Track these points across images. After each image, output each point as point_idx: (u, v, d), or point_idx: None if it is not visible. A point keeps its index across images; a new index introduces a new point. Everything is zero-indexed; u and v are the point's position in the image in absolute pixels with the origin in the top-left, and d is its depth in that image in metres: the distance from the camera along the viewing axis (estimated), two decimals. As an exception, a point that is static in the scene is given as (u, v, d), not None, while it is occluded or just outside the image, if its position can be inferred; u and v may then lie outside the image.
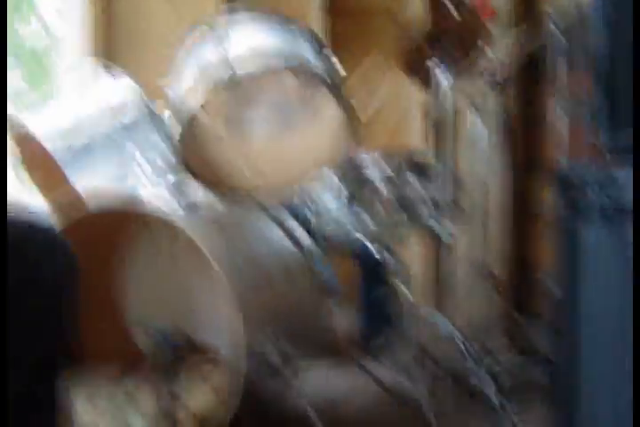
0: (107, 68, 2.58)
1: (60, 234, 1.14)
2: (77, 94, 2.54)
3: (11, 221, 1.02)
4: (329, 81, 2.04)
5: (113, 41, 4.00)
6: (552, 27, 2.67)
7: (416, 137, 4.03)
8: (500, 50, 3.32)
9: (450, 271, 2.38)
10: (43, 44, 5.29)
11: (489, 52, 2.85)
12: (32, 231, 1.05)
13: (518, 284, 3.24)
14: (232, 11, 2.20)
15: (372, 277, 3.20)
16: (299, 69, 2.04)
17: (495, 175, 2.88)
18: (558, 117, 2.63)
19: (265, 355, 2.10)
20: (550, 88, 2.78)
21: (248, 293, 2.05)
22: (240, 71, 1.96)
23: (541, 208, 3.30)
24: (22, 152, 2.59)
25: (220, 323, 2.46)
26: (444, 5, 3.12)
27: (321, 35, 3.89)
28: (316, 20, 3.99)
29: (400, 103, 4.04)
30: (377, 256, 2.69)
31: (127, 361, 2.44)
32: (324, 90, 2.09)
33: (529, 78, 3.49)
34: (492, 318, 2.91)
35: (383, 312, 3.24)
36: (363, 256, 3.11)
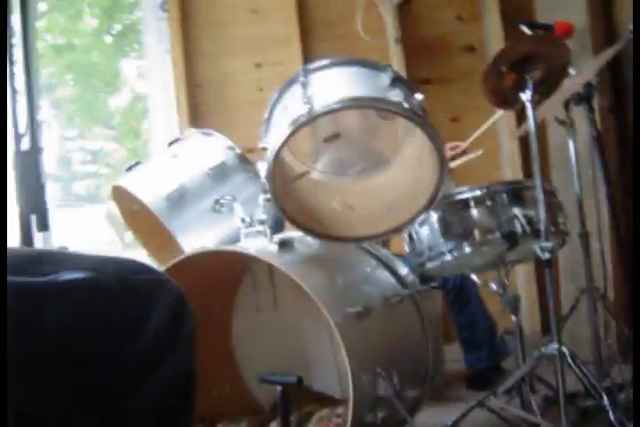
0: (205, 132, 2.67)
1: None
2: (170, 151, 2.62)
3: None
4: (414, 115, 2.03)
5: (199, 104, 4.17)
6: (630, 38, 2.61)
7: (509, 165, 4.01)
8: (582, 66, 3.29)
9: (555, 293, 2.31)
10: (133, 109, 5.54)
11: (571, 70, 2.82)
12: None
13: (629, 304, 3.11)
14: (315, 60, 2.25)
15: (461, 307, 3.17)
16: (380, 106, 2.05)
17: (590, 193, 2.80)
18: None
19: (376, 391, 2.08)
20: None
21: (350, 325, 2.04)
22: (318, 107, 1.98)
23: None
24: (121, 209, 2.69)
25: (328, 364, 2.46)
26: (522, 31, 3.15)
27: (401, 73, 3.97)
28: (396, 55, 4.04)
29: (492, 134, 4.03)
30: (478, 285, 2.67)
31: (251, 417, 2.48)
32: (410, 125, 2.09)
33: (616, 90, 3.44)
34: (606, 338, 2.80)
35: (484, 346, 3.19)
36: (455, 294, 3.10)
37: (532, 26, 3.47)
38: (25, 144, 1.80)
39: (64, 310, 0.86)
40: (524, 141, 3.53)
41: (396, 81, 2.16)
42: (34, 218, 1.75)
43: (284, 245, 2.21)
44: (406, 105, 2.02)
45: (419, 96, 2.20)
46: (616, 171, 3.37)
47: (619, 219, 3.06)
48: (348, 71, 2.22)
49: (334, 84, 2.16)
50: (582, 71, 2.85)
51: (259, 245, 2.27)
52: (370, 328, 2.14)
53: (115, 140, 6.30)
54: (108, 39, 5.97)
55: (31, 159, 1.78)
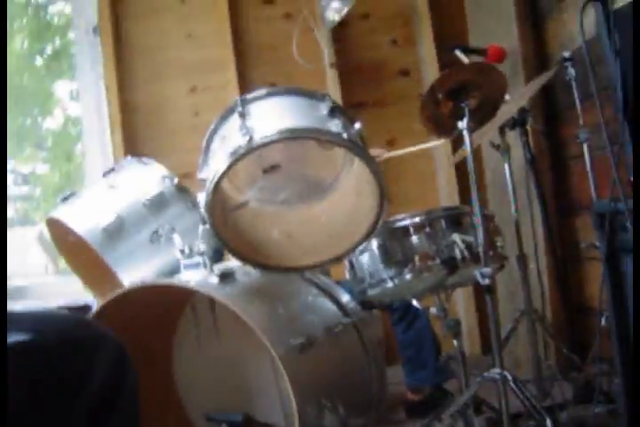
0: (135, 156, 2.65)
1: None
2: (106, 181, 2.58)
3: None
4: (352, 145, 2.04)
5: (133, 128, 4.12)
6: (563, 61, 2.68)
7: (446, 191, 4.06)
8: (515, 91, 3.36)
9: (495, 316, 2.33)
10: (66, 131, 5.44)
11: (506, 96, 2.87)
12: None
13: (567, 324, 3.17)
14: (252, 90, 2.25)
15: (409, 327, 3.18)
16: (319, 137, 2.05)
17: (526, 215, 2.86)
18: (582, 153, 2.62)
19: (321, 422, 2.07)
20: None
21: (294, 357, 2.03)
22: (257, 138, 1.98)
23: (577, 245, 3.28)
24: (55, 240, 2.64)
25: (271, 394, 2.44)
26: (456, 56, 3.20)
27: (336, 97, 3.99)
28: (332, 79, 4.06)
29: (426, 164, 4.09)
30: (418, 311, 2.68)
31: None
32: (349, 155, 2.10)
33: (548, 115, 3.51)
34: (545, 359, 2.84)
35: (428, 364, 3.20)
36: (400, 313, 3.10)
37: (465, 50, 3.54)
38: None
39: (14, 370, 0.84)
40: (459, 167, 3.57)
41: (335, 110, 2.17)
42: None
43: (225, 276, 2.19)
44: (345, 135, 2.03)
45: (357, 125, 2.21)
46: (550, 192, 3.44)
47: (554, 240, 3.12)
48: (287, 101, 2.22)
49: (273, 115, 2.16)
50: (516, 97, 2.92)
51: (199, 277, 2.25)
52: (313, 359, 2.13)
53: (47, 162, 6.18)
54: (39, 61, 5.86)
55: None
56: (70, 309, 3.64)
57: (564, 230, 3.45)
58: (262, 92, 2.22)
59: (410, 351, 3.24)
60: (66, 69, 5.59)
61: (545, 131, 3.40)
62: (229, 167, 2.02)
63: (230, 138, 2.12)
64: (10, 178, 6.01)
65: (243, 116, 2.10)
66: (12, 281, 4.06)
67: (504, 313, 3.56)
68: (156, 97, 4.15)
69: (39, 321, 0.93)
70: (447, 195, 4.06)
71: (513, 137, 3.03)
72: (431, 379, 3.17)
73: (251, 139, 1.99)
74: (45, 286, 4.08)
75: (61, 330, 0.93)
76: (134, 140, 4.09)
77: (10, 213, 5.87)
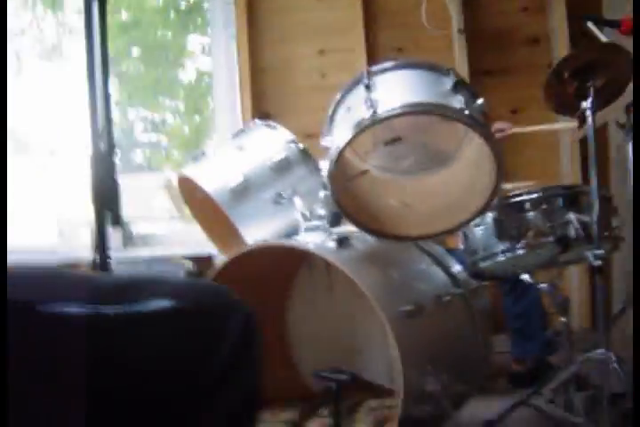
0: (262, 120, 2.75)
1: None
2: (235, 143, 2.70)
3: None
4: (474, 122, 2.07)
5: (262, 87, 4.24)
6: None
7: (569, 167, 4.01)
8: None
9: (607, 294, 2.34)
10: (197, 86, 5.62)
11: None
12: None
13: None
14: (382, 61, 2.29)
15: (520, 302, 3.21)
16: (442, 113, 2.09)
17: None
18: None
19: (424, 386, 2.16)
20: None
21: (402, 322, 2.11)
22: (381, 111, 2.04)
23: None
24: (184, 195, 2.79)
25: (379, 356, 2.55)
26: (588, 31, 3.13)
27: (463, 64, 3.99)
28: (459, 46, 4.05)
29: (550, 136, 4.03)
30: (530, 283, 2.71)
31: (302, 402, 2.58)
32: (470, 131, 2.13)
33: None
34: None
35: (535, 336, 3.24)
36: (511, 284, 3.13)
37: (597, 21, 3.45)
38: (101, 144, 1.90)
39: (152, 336, 0.95)
40: (585, 142, 3.52)
41: (458, 85, 2.20)
42: (108, 214, 1.85)
43: (342, 241, 2.29)
44: (467, 112, 2.06)
45: (480, 101, 2.24)
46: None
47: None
48: (412, 74, 2.25)
49: (397, 88, 2.21)
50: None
51: (317, 240, 2.35)
52: (421, 326, 2.20)
53: (178, 113, 6.40)
54: (173, 15, 6.04)
55: (107, 159, 1.88)
56: (193, 258, 3.84)
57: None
58: (388, 64, 2.27)
59: (518, 323, 3.29)
60: (199, 25, 5.77)
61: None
62: (352, 139, 2.09)
63: (355, 109, 2.19)
64: (140, 125, 6.29)
65: (368, 88, 2.17)
66: (138, 227, 4.29)
67: (619, 291, 3.54)
68: (284, 58, 4.26)
69: (179, 289, 1.04)
70: (570, 171, 4.01)
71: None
72: (536, 351, 3.22)
73: (375, 112, 2.05)
74: (170, 234, 4.28)
75: (199, 297, 1.04)
76: (262, 98, 4.23)
77: (138, 159, 6.16)
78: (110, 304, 0.94)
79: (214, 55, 4.57)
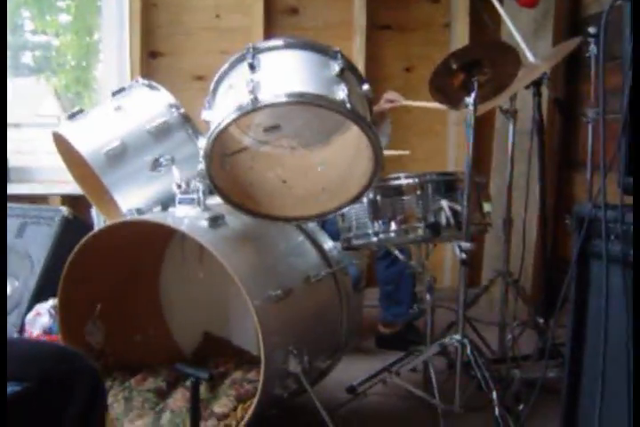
0: (146, 81, 2.65)
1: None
2: (114, 103, 2.60)
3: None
4: (354, 116, 2.06)
5: (153, 24, 4.08)
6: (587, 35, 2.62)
7: (453, 151, 4.07)
8: (540, 44, 3.31)
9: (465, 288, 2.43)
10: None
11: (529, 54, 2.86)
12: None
13: (545, 284, 3.28)
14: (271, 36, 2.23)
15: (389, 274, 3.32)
16: (323, 105, 2.06)
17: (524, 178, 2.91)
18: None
19: (287, 367, 2.21)
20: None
21: (269, 307, 2.15)
22: (264, 101, 2.00)
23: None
24: (61, 151, 2.70)
25: (249, 324, 2.59)
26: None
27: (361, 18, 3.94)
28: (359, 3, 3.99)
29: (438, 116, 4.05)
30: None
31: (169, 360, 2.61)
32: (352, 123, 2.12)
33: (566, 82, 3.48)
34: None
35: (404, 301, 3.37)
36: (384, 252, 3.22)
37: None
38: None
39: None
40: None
41: (345, 70, 2.17)
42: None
43: (215, 220, 2.27)
44: (347, 105, 2.04)
45: (365, 86, 2.23)
46: (554, 148, 3.46)
47: (545, 203, 3.16)
48: (298, 56, 2.20)
49: (282, 71, 2.16)
50: (538, 58, 2.89)
51: (191, 214, 2.33)
52: (287, 309, 2.24)
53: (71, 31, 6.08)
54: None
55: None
56: (70, 197, 3.73)
57: (565, 186, 3.50)
58: (275, 43, 2.22)
59: (388, 287, 3.40)
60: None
61: (560, 100, 3.36)
62: (231, 122, 2.05)
63: (237, 88, 2.14)
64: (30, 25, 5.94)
65: (252, 68, 2.11)
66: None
67: (489, 270, 3.67)
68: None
69: (26, 364, 1.05)
70: (455, 156, 4.07)
71: (525, 99, 3.03)
72: (404, 316, 3.34)
73: (256, 98, 2.01)
74: (48, 168, 4.14)
75: (44, 373, 1.05)
76: (152, 35, 4.06)
77: (27, 60, 5.86)
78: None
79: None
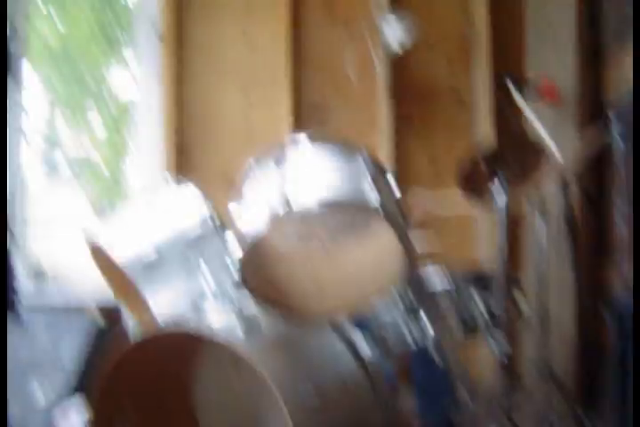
0: (179, 180, 2.70)
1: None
2: (148, 205, 2.65)
3: None
4: (384, 212, 2.08)
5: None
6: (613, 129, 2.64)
7: (481, 250, 4.05)
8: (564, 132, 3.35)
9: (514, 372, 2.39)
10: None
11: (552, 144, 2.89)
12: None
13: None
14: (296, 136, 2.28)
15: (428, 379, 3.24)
16: (353, 203, 2.10)
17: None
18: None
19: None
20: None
21: (305, 415, 2.11)
22: (295, 208, 2.04)
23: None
24: (97, 263, 2.73)
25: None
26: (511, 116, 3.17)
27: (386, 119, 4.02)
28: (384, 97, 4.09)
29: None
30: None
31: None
32: (379, 218, 2.14)
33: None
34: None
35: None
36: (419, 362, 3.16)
37: (517, 81, 3.51)
38: None
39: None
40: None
41: (371, 166, 2.21)
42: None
43: (250, 328, 2.28)
44: (379, 206, 2.08)
45: (392, 182, 2.27)
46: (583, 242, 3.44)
47: (581, 292, 3.13)
48: (324, 155, 2.24)
49: (310, 173, 2.20)
50: (561, 144, 2.91)
51: (226, 324, 2.34)
52: (323, 414, 2.21)
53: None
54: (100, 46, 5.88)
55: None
56: (103, 309, 3.74)
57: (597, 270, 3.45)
58: (302, 139, 2.26)
59: (424, 388, 3.30)
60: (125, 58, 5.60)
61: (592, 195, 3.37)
62: (264, 234, 2.09)
63: (267, 190, 2.18)
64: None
65: (279, 164, 2.18)
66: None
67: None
68: (209, 96, 4.19)
69: None
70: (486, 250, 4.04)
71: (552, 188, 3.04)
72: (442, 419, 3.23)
73: (289, 207, 2.04)
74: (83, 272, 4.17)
75: None
76: (183, 135, 4.16)
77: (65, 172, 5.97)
78: None
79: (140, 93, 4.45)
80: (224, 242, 2.53)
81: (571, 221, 2.96)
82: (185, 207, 2.61)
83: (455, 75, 4.20)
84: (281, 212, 2.05)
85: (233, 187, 2.45)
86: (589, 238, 3.60)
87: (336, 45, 4.11)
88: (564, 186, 2.90)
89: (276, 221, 2.05)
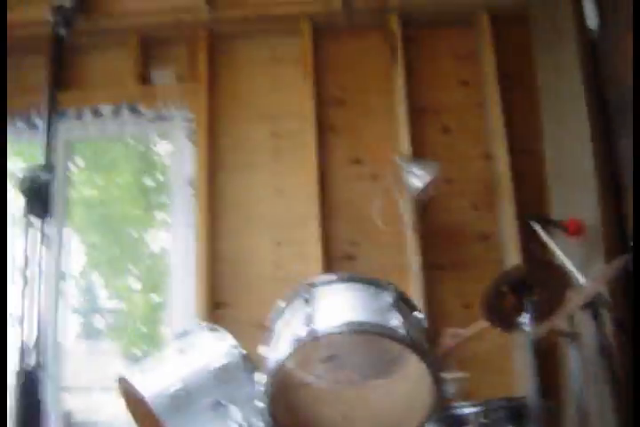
0: (212, 328, 2.75)
1: None
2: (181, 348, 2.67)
3: None
4: (413, 345, 2.08)
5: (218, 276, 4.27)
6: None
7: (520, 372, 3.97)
8: (592, 266, 3.35)
9: None
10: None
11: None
12: None
13: None
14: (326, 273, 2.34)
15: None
16: (379, 333, 2.10)
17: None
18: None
19: None
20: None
21: None
22: (319, 331, 2.05)
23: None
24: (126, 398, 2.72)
25: None
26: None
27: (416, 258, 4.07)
28: (412, 242, 4.15)
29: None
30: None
31: None
32: (408, 351, 2.14)
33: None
34: None
35: None
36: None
37: (544, 222, 3.57)
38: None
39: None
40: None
41: (398, 300, 2.23)
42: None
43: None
44: (402, 331, 2.07)
45: (419, 315, 2.27)
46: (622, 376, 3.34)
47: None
48: (352, 288, 2.29)
49: (337, 303, 2.24)
50: (591, 278, 2.91)
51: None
52: None
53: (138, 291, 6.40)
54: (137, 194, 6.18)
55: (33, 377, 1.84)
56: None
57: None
58: (330, 278, 2.32)
59: None
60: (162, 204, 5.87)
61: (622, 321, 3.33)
62: (289, 357, 2.08)
63: (293, 323, 2.20)
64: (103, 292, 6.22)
65: (307, 302, 2.19)
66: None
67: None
68: (242, 248, 4.31)
69: None
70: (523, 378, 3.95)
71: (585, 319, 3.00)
72: None
73: (312, 329, 2.06)
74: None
75: None
76: (217, 287, 4.23)
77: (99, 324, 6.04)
78: None
79: (173, 240, 4.61)
80: (250, 372, 2.54)
81: (605, 353, 2.89)
82: (217, 349, 2.64)
83: (481, 218, 4.28)
84: (305, 334, 2.05)
85: (264, 332, 2.50)
86: (628, 372, 3.49)
87: (364, 192, 4.25)
88: (595, 315, 2.87)
89: (299, 342, 2.05)
